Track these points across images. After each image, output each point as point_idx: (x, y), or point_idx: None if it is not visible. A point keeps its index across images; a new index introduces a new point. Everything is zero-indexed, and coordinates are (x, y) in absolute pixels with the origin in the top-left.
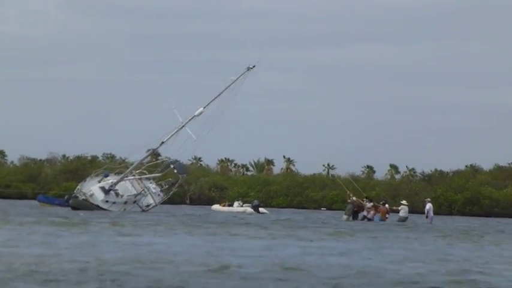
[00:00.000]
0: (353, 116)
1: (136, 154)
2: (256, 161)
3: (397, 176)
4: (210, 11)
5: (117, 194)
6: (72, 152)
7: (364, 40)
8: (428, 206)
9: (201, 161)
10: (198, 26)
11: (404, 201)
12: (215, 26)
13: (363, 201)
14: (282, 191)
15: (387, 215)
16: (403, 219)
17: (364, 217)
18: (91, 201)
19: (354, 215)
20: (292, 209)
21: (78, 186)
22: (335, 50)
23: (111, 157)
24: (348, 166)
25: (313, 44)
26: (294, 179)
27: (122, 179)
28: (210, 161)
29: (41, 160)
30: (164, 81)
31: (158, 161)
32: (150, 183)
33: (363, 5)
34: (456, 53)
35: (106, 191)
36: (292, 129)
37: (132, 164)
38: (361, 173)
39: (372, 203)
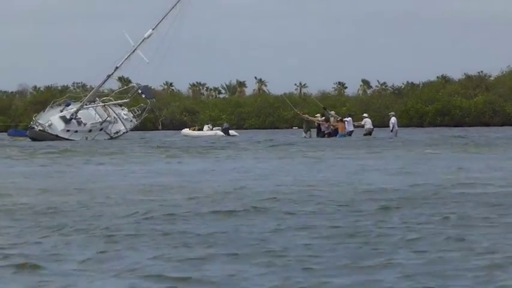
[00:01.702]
0: (323, 33)
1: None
2: (228, 83)
3: (369, 91)
4: None
5: (79, 123)
6: (43, 83)
7: None
8: (393, 119)
9: (172, 86)
10: None
11: (365, 114)
12: None
13: (315, 116)
14: (253, 113)
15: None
16: (370, 132)
17: (323, 133)
18: (49, 131)
19: (318, 132)
20: (264, 129)
21: (34, 117)
22: None
23: (82, 86)
24: (320, 84)
25: None
26: (265, 99)
27: (81, 107)
28: (182, 85)
29: (12, 92)
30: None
31: (127, 88)
32: (122, 109)
33: None
34: None
35: (67, 120)
36: (263, 49)
37: (101, 92)
38: (332, 89)
39: (323, 117)
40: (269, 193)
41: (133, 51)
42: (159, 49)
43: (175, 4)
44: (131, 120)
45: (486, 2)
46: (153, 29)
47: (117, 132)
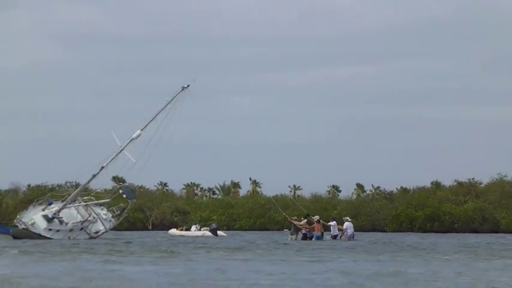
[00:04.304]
0: (317, 136)
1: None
2: (222, 184)
3: (363, 195)
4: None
5: (61, 222)
6: (36, 182)
7: (321, 63)
8: (346, 224)
9: (166, 186)
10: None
11: (347, 218)
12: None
13: (301, 219)
14: (244, 214)
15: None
16: (352, 237)
17: (305, 236)
18: (32, 230)
19: (304, 236)
20: (255, 231)
21: (18, 216)
22: (291, 72)
23: (76, 185)
24: (314, 187)
25: (267, 66)
26: (256, 201)
27: (64, 207)
28: (177, 186)
29: (5, 191)
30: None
31: (113, 188)
32: (101, 209)
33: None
34: (412, 69)
35: (49, 219)
36: (258, 151)
37: (91, 191)
38: (327, 193)
39: (305, 220)
40: None
41: (120, 151)
42: (147, 150)
43: (165, 106)
44: (110, 220)
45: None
46: (141, 130)
47: (96, 232)
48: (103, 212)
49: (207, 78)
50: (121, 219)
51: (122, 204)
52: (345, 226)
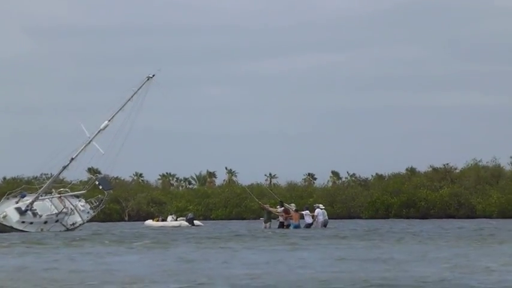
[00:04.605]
0: (292, 125)
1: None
2: (198, 174)
3: (339, 183)
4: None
5: (34, 214)
6: (11, 174)
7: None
8: (317, 211)
9: (142, 176)
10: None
11: (321, 205)
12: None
13: (277, 207)
14: (220, 203)
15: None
16: (326, 223)
17: (282, 224)
18: (4, 222)
19: (280, 224)
20: (231, 220)
21: None
22: (268, 60)
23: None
24: (290, 175)
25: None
26: (232, 190)
27: (36, 199)
28: (152, 176)
29: None
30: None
31: (89, 179)
32: (79, 201)
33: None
34: (388, 56)
35: (22, 212)
36: (233, 141)
37: (67, 183)
38: (302, 181)
39: (282, 208)
40: None
41: (89, 142)
42: (116, 140)
43: (132, 96)
44: (88, 212)
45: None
46: (109, 121)
47: (73, 224)
48: (80, 204)
49: (181, 67)
50: (98, 210)
51: (100, 196)
52: (315, 213)
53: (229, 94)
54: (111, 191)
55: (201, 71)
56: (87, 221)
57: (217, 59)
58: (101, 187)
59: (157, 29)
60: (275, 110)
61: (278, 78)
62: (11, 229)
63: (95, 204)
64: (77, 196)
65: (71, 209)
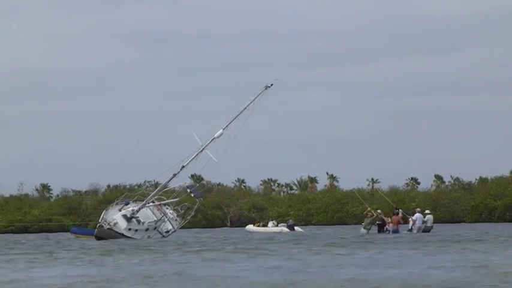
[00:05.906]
0: (394, 129)
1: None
2: (299, 179)
3: (443, 187)
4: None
5: (138, 222)
6: (115, 182)
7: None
8: (415, 216)
9: (244, 183)
10: None
11: (427, 211)
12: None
13: (391, 215)
14: (321, 208)
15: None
16: (430, 229)
17: (386, 230)
18: (115, 229)
19: (380, 228)
20: (332, 226)
21: (102, 216)
22: (367, 65)
23: (155, 185)
24: (392, 179)
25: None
26: (333, 195)
27: (143, 206)
28: (254, 182)
29: (85, 192)
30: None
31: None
32: (167, 208)
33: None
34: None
35: (128, 219)
36: (335, 145)
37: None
38: (405, 185)
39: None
40: None
41: (201, 150)
42: (229, 148)
43: (248, 105)
44: (176, 219)
45: None
46: (223, 129)
47: (167, 232)
48: (169, 211)
49: (283, 73)
50: (189, 218)
51: (186, 203)
52: (414, 217)
53: (331, 98)
54: (201, 199)
55: (303, 75)
56: (178, 229)
57: (319, 63)
58: (192, 195)
59: (255, 36)
60: (367, 113)
61: (373, 82)
62: (121, 236)
63: (180, 212)
64: (167, 204)
65: (165, 216)
